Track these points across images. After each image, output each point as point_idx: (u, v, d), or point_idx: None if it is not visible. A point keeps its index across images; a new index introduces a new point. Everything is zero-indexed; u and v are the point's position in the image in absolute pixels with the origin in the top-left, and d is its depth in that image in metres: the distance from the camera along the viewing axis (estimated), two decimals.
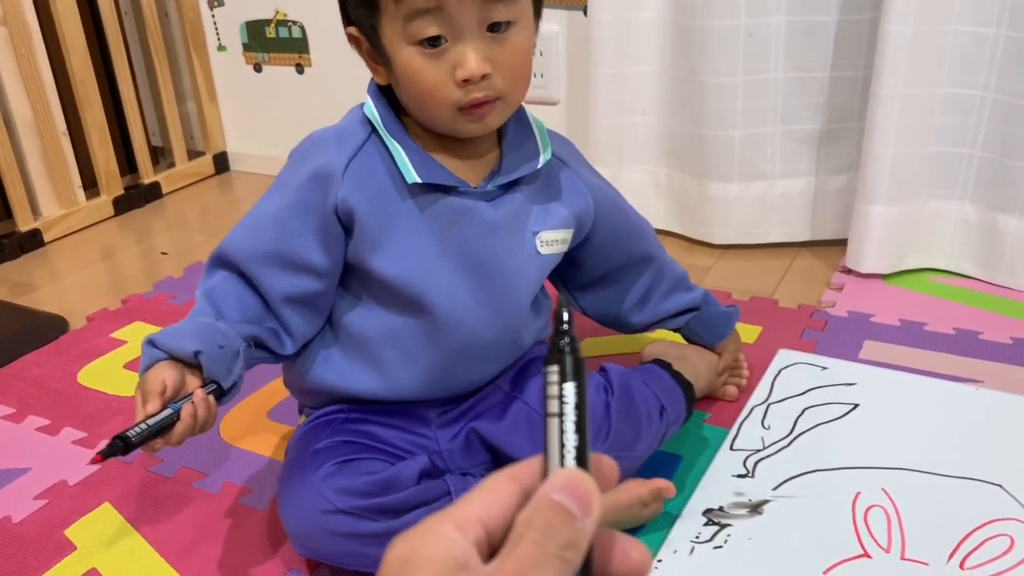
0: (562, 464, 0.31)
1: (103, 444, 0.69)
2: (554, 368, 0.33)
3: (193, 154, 2.00)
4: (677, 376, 0.98)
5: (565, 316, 0.33)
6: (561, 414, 0.32)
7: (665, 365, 1.00)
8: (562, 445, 0.32)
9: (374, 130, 0.80)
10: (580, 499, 0.30)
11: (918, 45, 1.21)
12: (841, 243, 1.43)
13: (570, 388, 0.32)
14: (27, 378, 1.22)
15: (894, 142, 1.27)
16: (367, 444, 0.84)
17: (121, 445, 0.67)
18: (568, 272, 0.98)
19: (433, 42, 0.73)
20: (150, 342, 0.75)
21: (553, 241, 0.87)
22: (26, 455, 1.05)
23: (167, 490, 0.98)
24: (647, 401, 0.95)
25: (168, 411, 0.70)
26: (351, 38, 0.80)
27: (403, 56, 0.75)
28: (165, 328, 0.77)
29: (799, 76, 1.39)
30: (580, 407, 0.32)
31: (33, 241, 1.66)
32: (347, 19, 0.80)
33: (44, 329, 1.33)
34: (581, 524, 0.30)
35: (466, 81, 0.74)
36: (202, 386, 0.74)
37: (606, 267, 0.98)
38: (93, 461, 0.68)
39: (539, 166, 0.83)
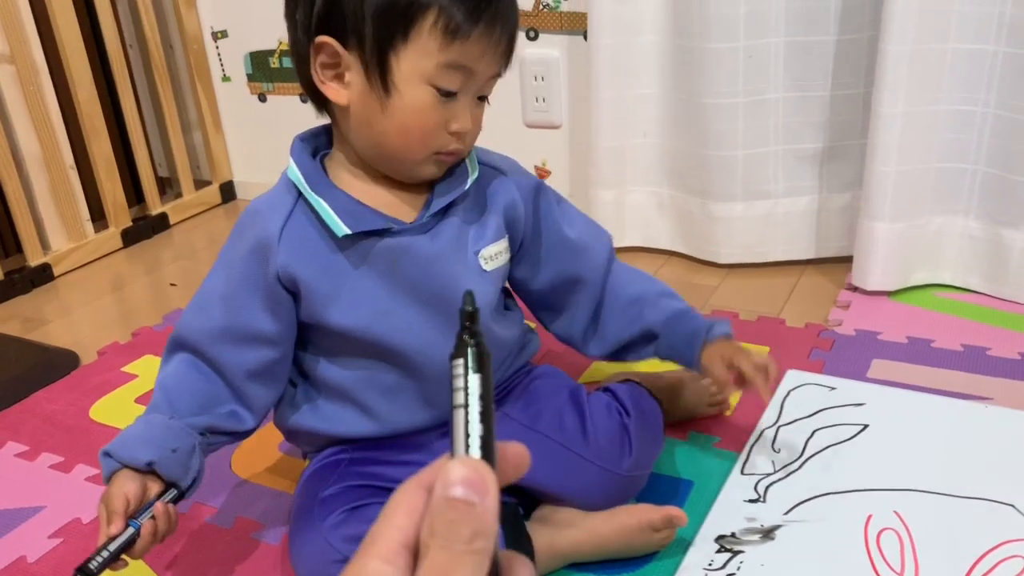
0: (467, 453, 0.32)
1: None
2: (459, 361, 0.33)
3: (200, 184, 2.02)
4: (648, 390, 0.98)
5: (468, 310, 0.34)
6: (466, 405, 0.32)
7: (636, 381, 1.00)
8: (467, 435, 0.32)
9: (300, 192, 0.81)
10: (473, 485, 0.30)
11: (917, 63, 1.22)
12: (846, 260, 1.43)
13: (475, 380, 0.33)
14: (40, 414, 1.23)
15: (896, 159, 1.28)
16: (373, 487, 0.84)
17: None
18: (525, 298, 0.99)
19: (447, 93, 0.77)
20: (106, 453, 0.77)
21: (495, 255, 0.87)
22: (40, 493, 1.06)
23: (180, 526, 0.97)
24: (657, 415, 0.96)
25: (130, 530, 0.72)
26: (317, 47, 0.76)
27: (415, 91, 0.76)
28: (120, 435, 0.79)
29: (799, 95, 1.40)
30: (485, 398, 0.33)
31: (43, 275, 1.68)
32: (320, 28, 0.76)
33: (56, 364, 1.34)
34: (481, 508, 0.29)
35: (454, 133, 0.79)
36: (163, 490, 0.76)
37: (547, 288, 0.95)
38: None
39: (467, 185, 0.84)
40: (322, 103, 0.83)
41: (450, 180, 0.84)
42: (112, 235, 1.81)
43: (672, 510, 0.86)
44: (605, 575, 0.86)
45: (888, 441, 1.01)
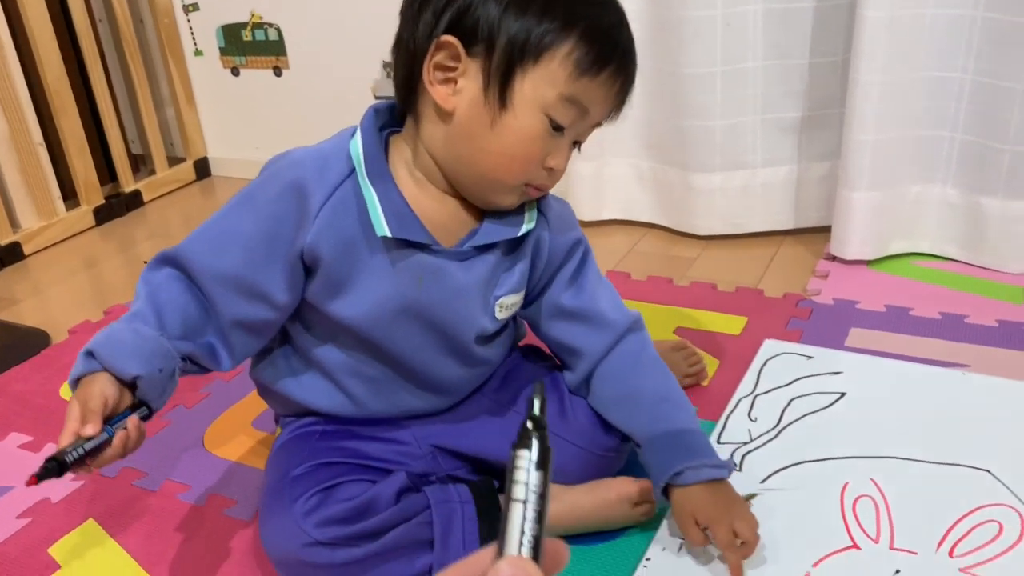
0: (520, 551, 0.33)
1: (40, 467, 0.67)
2: (523, 453, 0.34)
3: (174, 160, 1.99)
4: None
5: (537, 404, 0.35)
6: (526, 501, 0.34)
7: None
8: (522, 533, 0.34)
9: (355, 168, 0.77)
10: None
11: (895, 29, 1.21)
12: (825, 230, 1.43)
13: (536, 476, 0.34)
14: (9, 394, 1.21)
15: (874, 128, 1.27)
16: (346, 463, 0.83)
17: (56, 467, 0.66)
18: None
19: (557, 127, 0.75)
20: (89, 352, 0.73)
21: (511, 306, 0.85)
22: (8, 473, 1.04)
23: (152, 504, 0.97)
24: None
25: (104, 435, 0.69)
26: (439, 45, 0.72)
27: (530, 116, 0.73)
28: (103, 336, 0.74)
29: (778, 64, 1.38)
30: (544, 497, 0.34)
31: (13, 254, 1.65)
32: (448, 28, 0.72)
33: (26, 344, 1.32)
34: None
35: (548, 169, 0.77)
36: (135, 404, 0.73)
37: (547, 342, 0.92)
38: (29, 483, 0.66)
39: (519, 233, 0.81)
40: (410, 103, 0.77)
41: (505, 219, 0.81)
42: (84, 213, 1.78)
43: (649, 482, 0.85)
44: (582, 547, 0.85)
45: (865, 409, 1.01)
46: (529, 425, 0.34)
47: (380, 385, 0.85)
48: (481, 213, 0.81)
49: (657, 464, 0.82)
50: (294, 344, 0.86)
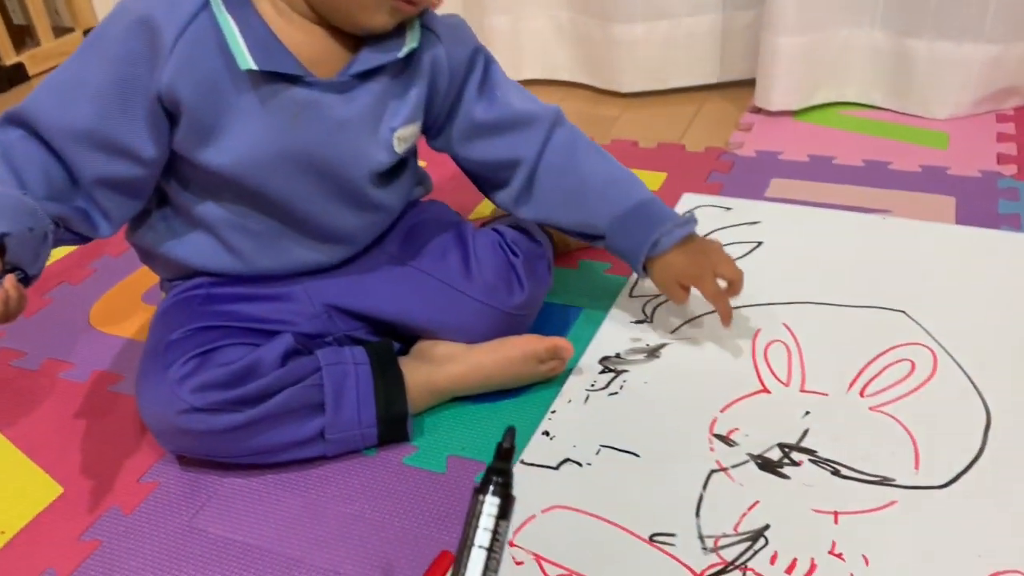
0: None
1: None
2: (486, 499, 0.38)
3: (60, 31, 1.84)
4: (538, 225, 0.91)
5: (506, 447, 0.39)
6: (490, 549, 0.38)
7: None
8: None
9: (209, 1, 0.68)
10: None
11: None
12: (752, 84, 1.36)
13: (504, 527, 0.39)
14: None
15: None
16: (228, 327, 0.77)
17: None
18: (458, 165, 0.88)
19: None
20: None
21: (409, 137, 0.78)
22: None
23: (30, 384, 0.90)
24: (544, 252, 0.90)
25: None
26: None
27: None
28: None
29: None
30: (501, 544, 0.39)
31: None
32: None
33: None
34: None
35: None
36: (4, 271, 0.64)
37: (475, 166, 0.85)
38: None
39: (400, 55, 0.73)
40: None
41: (384, 43, 0.73)
42: None
43: (558, 341, 0.80)
44: (487, 405, 0.81)
45: (781, 257, 0.98)
46: (497, 470, 0.38)
47: (268, 239, 0.78)
48: (358, 42, 0.73)
49: (629, 245, 0.82)
50: (173, 204, 0.78)
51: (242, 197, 0.75)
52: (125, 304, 1.02)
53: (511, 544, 0.66)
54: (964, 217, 1.04)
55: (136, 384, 0.75)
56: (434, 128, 0.83)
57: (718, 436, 0.75)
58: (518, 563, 0.65)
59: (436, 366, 0.80)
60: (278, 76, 0.70)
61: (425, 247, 0.85)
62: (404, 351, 0.84)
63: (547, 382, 0.83)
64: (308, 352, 0.77)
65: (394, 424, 0.76)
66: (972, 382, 0.78)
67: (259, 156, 0.72)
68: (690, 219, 0.82)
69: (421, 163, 0.93)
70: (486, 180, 0.87)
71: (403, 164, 0.82)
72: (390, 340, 0.82)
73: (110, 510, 0.74)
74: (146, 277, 1.05)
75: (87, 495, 0.76)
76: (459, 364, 0.80)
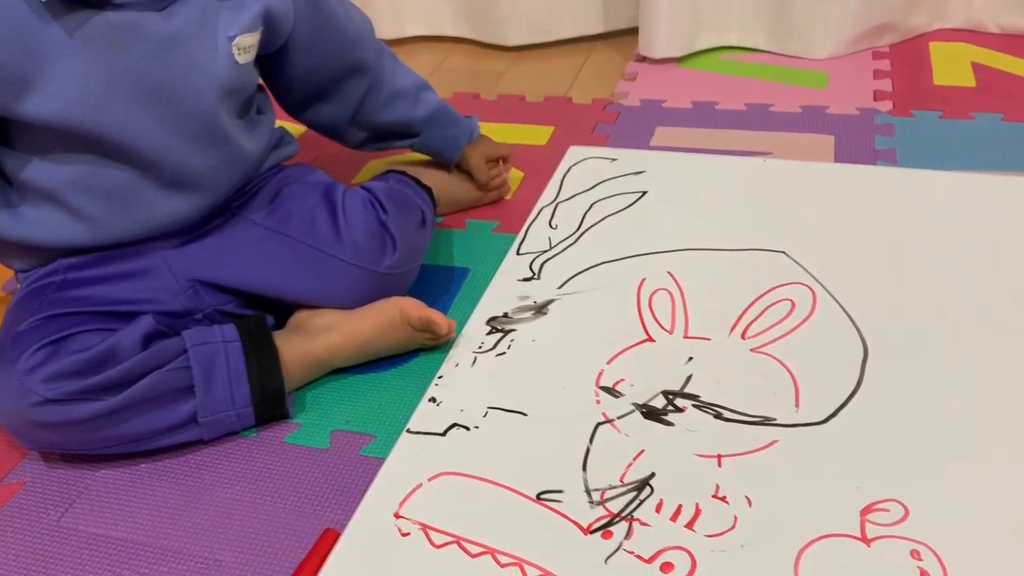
0: None
1: None
2: None
3: None
4: (414, 179, 0.91)
5: None
6: None
7: (400, 172, 0.93)
8: None
9: None
10: None
11: None
12: (637, 32, 1.35)
13: None
14: None
15: None
16: (84, 312, 0.72)
17: None
18: (278, 87, 0.88)
19: None
20: None
21: (250, 47, 0.75)
22: None
23: None
24: (421, 207, 0.88)
25: None
26: None
27: None
28: None
29: None
30: None
31: None
32: None
33: None
34: None
35: None
36: None
37: (314, 80, 0.87)
38: None
39: None
40: None
41: None
42: None
43: (433, 315, 0.78)
44: (372, 375, 0.79)
45: (665, 205, 0.97)
46: None
47: (118, 197, 0.73)
48: None
49: (450, 134, 0.95)
50: (5, 174, 0.73)
51: (80, 149, 0.70)
52: None
53: (396, 516, 0.65)
54: (842, 155, 1.05)
55: None
56: (290, 42, 0.82)
57: (604, 388, 0.74)
58: (404, 534, 0.63)
59: (312, 337, 0.77)
60: (83, 3, 0.65)
61: (292, 212, 0.81)
62: (282, 324, 0.81)
63: (435, 348, 0.81)
64: (175, 333, 0.73)
65: (271, 402, 0.73)
66: (850, 317, 0.79)
67: (87, 95, 0.67)
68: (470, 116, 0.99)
69: (285, 125, 0.90)
70: (322, 94, 0.89)
71: (253, 99, 0.80)
72: (263, 314, 0.78)
73: None
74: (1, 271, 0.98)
75: None
76: (335, 333, 0.77)
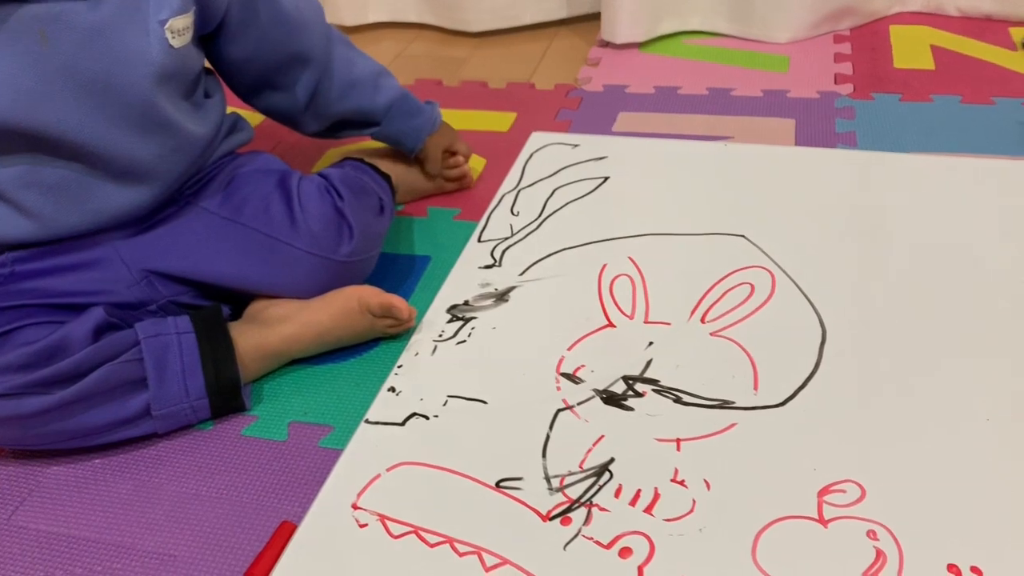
0: None
1: None
2: None
3: None
4: (372, 166, 0.91)
5: None
6: None
7: (358, 159, 0.92)
8: None
9: None
10: None
11: None
12: (599, 17, 1.35)
13: None
14: None
15: None
16: (32, 305, 0.70)
17: None
18: (223, 71, 0.86)
19: None
20: None
21: (183, 29, 0.73)
22: None
23: None
24: (378, 194, 0.87)
25: None
26: None
27: None
28: None
29: None
30: None
31: None
32: None
33: None
34: None
35: None
36: None
37: (257, 65, 0.85)
38: None
39: None
40: None
41: None
42: None
43: (393, 300, 0.77)
44: (330, 366, 0.78)
45: (627, 191, 0.97)
46: None
47: (64, 191, 0.71)
48: None
49: (413, 124, 0.94)
50: None
51: (20, 146, 0.68)
52: None
53: (354, 507, 0.64)
54: (803, 138, 1.05)
55: None
56: (229, 27, 0.80)
57: (564, 375, 0.74)
58: (362, 526, 0.62)
59: (268, 327, 0.76)
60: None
61: (247, 199, 0.80)
62: (239, 315, 0.79)
63: (395, 337, 0.80)
64: (127, 326, 0.72)
65: (226, 394, 0.72)
66: (809, 300, 0.80)
67: (17, 92, 0.65)
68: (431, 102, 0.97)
69: (238, 111, 0.88)
70: (272, 82, 0.87)
71: (199, 81, 0.78)
72: (219, 304, 0.77)
73: None
74: None
75: None
76: (292, 323, 0.76)
